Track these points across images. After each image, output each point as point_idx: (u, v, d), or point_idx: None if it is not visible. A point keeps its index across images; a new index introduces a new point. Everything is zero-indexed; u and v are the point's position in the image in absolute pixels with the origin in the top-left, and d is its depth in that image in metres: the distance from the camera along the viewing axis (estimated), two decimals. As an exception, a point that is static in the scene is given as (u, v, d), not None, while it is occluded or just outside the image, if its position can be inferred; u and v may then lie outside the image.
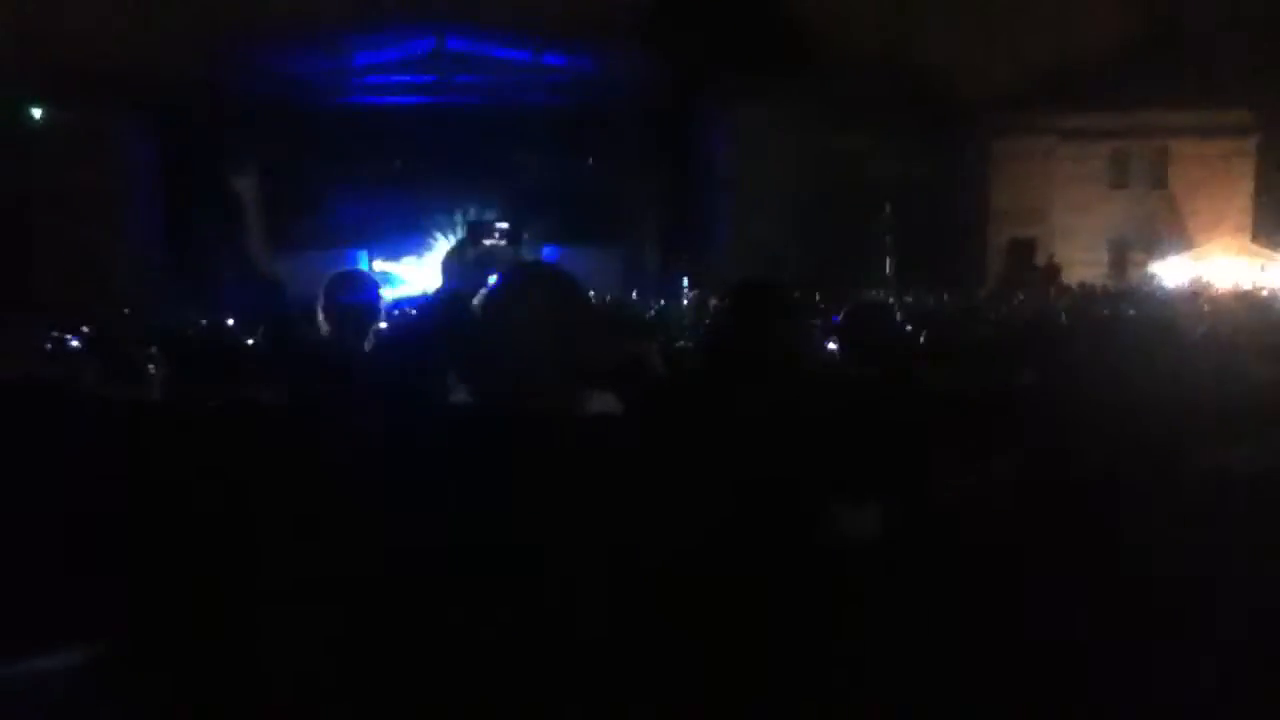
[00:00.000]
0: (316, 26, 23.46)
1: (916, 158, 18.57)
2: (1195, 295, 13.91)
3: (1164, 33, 18.46)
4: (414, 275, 23.40)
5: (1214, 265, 18.86)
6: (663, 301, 17.00)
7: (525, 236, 23.05)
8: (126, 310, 15.20)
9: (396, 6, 23.60)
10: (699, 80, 19.87)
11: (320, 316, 3.63)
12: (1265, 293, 13.06)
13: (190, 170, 20.90)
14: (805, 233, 18.63)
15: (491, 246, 22.62)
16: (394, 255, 24.17)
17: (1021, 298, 15.54)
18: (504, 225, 23.30)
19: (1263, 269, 18.58)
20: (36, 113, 19.74)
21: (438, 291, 11.22)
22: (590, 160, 23.36)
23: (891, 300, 13.57)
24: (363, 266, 22.47)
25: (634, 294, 19.41)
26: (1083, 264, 19.80)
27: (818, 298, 10.87)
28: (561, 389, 2.50)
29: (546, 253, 23.38)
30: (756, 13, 18.56)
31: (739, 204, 20.80)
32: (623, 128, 22.11)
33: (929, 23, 18.88)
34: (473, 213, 23.87)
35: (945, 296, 15.53)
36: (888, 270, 18.59)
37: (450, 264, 22.39)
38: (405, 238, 24.20)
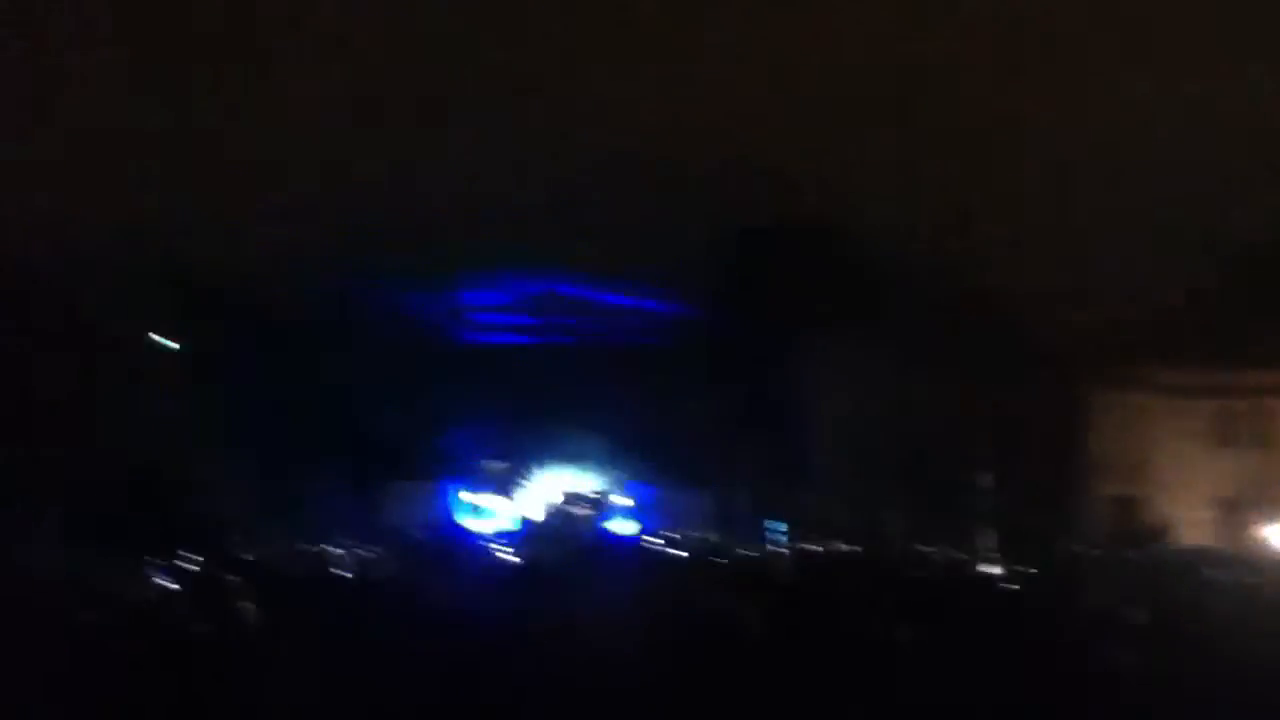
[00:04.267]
0: (433, 270, 24.83)
1: (1007, 405, 18.33)
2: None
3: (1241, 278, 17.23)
4: (501, 508, 23.95)
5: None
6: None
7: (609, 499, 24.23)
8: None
9: (509, 254, 24.95)
10: (784, 327, 20.36)
11: None
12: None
13: (297, 397, 21.84)
14: (892, 481, 18.41)
15: (576, 515, 24.23)
16: (481, 488, 24.53)
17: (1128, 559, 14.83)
18: (595, 495, 24.61)
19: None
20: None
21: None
22: (682, 401, 23.73)
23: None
24: (451, 497, 22.99)
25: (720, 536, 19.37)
26: (1188, 523, 18.85)
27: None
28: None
29: (636, 491, 23.44)
30: (833, 256, 19.09)
31: (825, 449, 20.76)
32: (714, 370, 22.59)
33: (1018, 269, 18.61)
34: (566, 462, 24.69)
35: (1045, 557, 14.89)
36: (964, 528, 17.81)
37: (537, 523, 23.57)
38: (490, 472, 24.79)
